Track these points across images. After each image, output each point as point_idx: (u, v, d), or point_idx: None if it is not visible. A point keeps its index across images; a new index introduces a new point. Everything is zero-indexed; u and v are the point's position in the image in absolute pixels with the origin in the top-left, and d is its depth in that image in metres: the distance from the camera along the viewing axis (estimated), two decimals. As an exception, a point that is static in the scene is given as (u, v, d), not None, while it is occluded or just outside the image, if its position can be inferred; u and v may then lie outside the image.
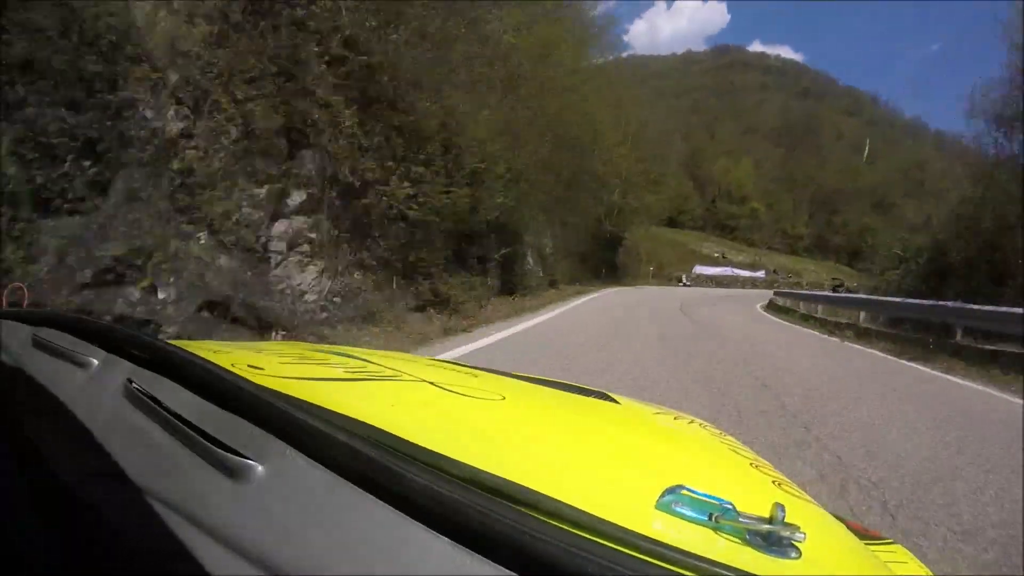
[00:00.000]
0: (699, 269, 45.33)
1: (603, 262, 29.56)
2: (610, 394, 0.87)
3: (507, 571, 0.29)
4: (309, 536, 0.34)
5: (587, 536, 0.31)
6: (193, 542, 0.37)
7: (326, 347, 0.90)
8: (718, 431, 0.76)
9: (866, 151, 73.27)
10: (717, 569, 0.30)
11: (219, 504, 0.38)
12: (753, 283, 43.90)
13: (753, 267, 49.16)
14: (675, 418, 0.80)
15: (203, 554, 0.36)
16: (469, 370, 0.83)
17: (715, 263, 48.88)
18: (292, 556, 0.33)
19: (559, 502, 0.34)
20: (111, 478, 0.45)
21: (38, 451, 0.51)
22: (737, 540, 0.37)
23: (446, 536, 0.31)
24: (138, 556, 0.40)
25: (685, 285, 39.06)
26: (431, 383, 0.66)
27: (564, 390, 0.87)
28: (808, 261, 57.85)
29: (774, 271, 48.91)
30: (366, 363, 0.75)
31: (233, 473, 0.39)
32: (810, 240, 64.94)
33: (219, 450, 0.40)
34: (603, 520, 0.33)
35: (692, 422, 0.79)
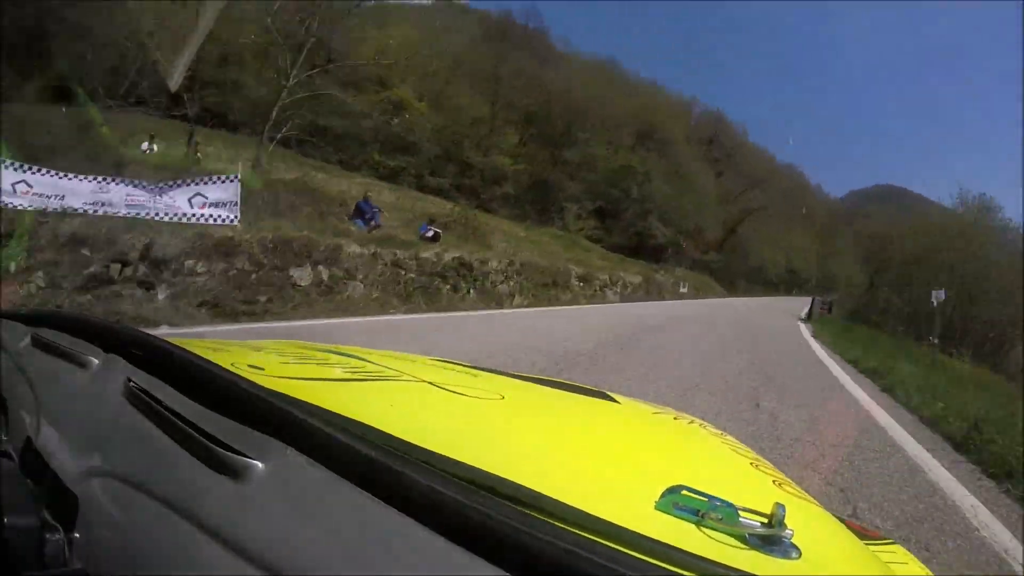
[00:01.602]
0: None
1: None
2: (610, 394, 0.87)
3: (507, 571, 0.29)
4: (309, 536, 0.34)
5: (587, 536, 0.31)
6: (193, 542, 0.37)
7: (326, 347, 0.90)
8: (718, 431, 0.76)
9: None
10: (717, 569, 0.30)
11: (219, 504, 0.38)
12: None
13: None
14: (675, 418, 0.80)
15: (203, 554, 0.36)
16: (469, 370, 0.83)
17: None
18: (292, 556, 0.33)
19: (559, 502, 0.34)
20: (111, 478, 0.45)
21: (38, 451, 0.51)
22: (737, 540, 0.37)
23: (446, 536, 0.31)
24: (138, 556, 0.40)
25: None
26: (431, 383, 0.66)
27: (564, 390, 0.87)
28: (520, 226, 22.16)
29: (434, 226, 11.10)
30: (366, 363, 0.75)
31: (233, 473, 0.39)
32: (522, 184, 28.74)
33: (219, 450, 0.40)
34: (603, 520, 0.33)
35: (692, 422, 0.79)
